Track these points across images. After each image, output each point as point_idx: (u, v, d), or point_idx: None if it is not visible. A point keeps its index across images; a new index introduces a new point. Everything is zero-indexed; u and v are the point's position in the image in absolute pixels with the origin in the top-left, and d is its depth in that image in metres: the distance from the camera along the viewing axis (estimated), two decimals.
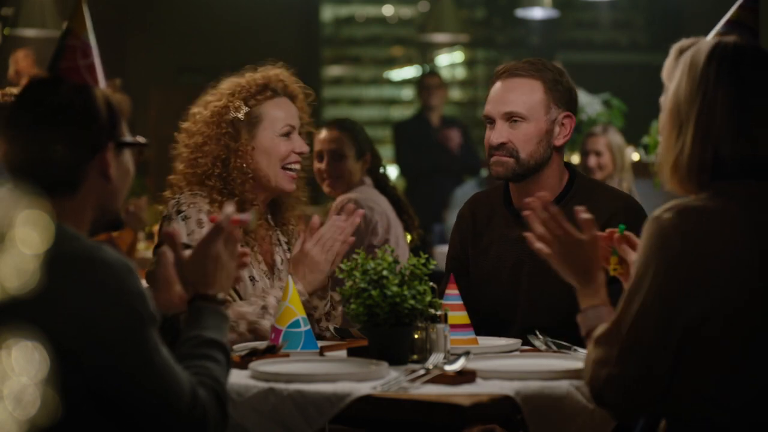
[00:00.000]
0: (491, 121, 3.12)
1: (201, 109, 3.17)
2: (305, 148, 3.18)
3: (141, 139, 2.18)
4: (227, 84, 3.19)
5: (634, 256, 2.35)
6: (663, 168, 2.16)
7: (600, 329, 2.14)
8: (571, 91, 3.14)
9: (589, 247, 2.31)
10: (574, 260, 2.32)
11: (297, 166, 3.17)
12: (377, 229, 4.66)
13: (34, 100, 2.05)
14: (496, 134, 3.09)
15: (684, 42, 2.22)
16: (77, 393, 1.89)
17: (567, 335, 2.83)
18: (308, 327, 2.83)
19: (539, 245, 2.35)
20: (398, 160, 8.50)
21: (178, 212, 3.05)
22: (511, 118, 3.08)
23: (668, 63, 2.22)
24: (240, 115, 3.12)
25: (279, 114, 3.16)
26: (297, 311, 2.82)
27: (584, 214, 2.34)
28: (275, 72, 3.21)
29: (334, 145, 4.79)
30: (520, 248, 3.08)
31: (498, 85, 3.13)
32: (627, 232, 2.56)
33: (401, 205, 4.87)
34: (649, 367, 2.05)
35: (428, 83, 8.52)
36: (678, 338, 2.04)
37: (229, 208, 2.29)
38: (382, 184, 4.87)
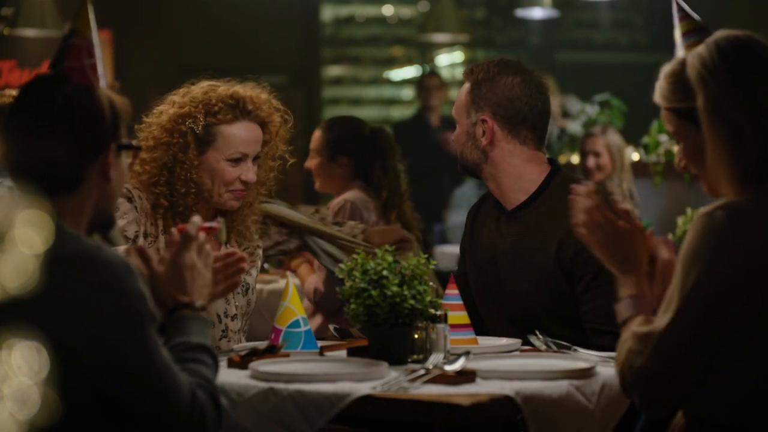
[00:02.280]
0: None
1: (166, 108, 3.08)
2: (252, 178, 3.07)
3: (135, 143, 2.19)
4: (198, 90, 3.08)
5: (665, 255, 2.34)
6: (721, 179, 2.09)
7: (641, 321, 2.13)
8: (498, 95, 3.09)
9: (630, 236, 2.30)
10: (615, 248, 2.30)
11: (241, 195, 3.08)
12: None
13: (39, 98, 2.04)
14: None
15: (670, 65, 2.18)
16: (77, 393, 1.89)
17: (538, 326, 2.86)
18: (308, 327, 2.84)
19: (582, 231, 2.35)
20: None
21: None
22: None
23: (664, 87, 2.17)
24: (196, 128, 3.03)
25: (234, 139, 3.05)
26: (297, 311, 2.83)
27: (623, 205, 2.33)
28: (251, 93, 3.09)
29: (315, 143, 4.81)
30: (496, 243, 3.12)
31: None
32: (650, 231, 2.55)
33: (391, 211, 4.81)
34: (683, 364, 2.04)
35: (428, 84, 8.51)
36: (716, 339, 2.02)
37: (196, 217, 2.30)
38: (375, 186, 4.81)
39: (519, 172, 3.11)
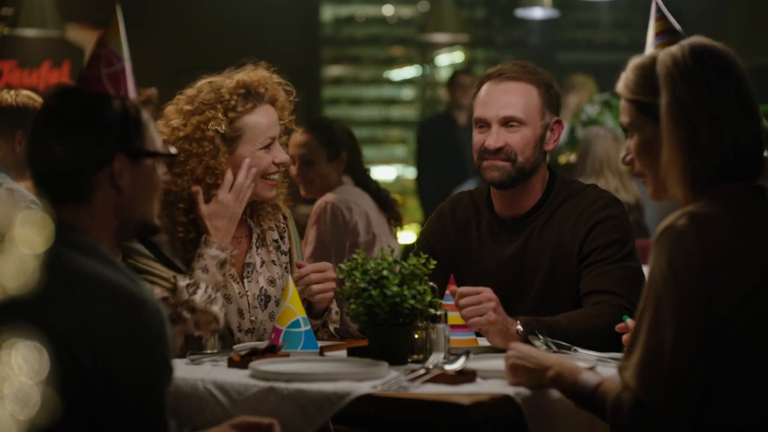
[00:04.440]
0: (484, 124, 3.08)
1: (179, 122, 3.01)
2: (285, 158, 3.08)
3: (173, 150, 2.15)
4: (206, 91, 3.03)
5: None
6: (672, 178, 2.10)
7: (626, 364, 2.08)
8: (560, 96, 3.15)
9: (519, 362, 2.34)
10: (524, 376, 2.34)
11: (276, 177, 3.08)
12: (357, 228, 4.67)
13: (50, 110, 2.05)
14: (494, 138, 3.04)
15: (640, 58, 2.19)
16: (78, 394, 1.88)
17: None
18: (308, 327, 2.84)
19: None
20: (420, 159, 8.46)
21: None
22: (508, 122, 3.05)
23: (630, 78, 2.18)
24: (220, 129, 2.99)
25: (260, 126, 3.02)
26: (297, 311, 2.83)
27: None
28: (256, 77, 3.06)
29: (304, 150, 4.79)
30: (500, 255, 3.09)
31: (490, 88, 3.09)
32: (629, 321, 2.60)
33: (384, 200, 4.87)
34: (694, 373, 2.01)
35: (462, 82, 8.42)
36: (716, 342, 2.01)
37: None
38: (363, 181, 4.86)
39: (544, 178, 3.13)
